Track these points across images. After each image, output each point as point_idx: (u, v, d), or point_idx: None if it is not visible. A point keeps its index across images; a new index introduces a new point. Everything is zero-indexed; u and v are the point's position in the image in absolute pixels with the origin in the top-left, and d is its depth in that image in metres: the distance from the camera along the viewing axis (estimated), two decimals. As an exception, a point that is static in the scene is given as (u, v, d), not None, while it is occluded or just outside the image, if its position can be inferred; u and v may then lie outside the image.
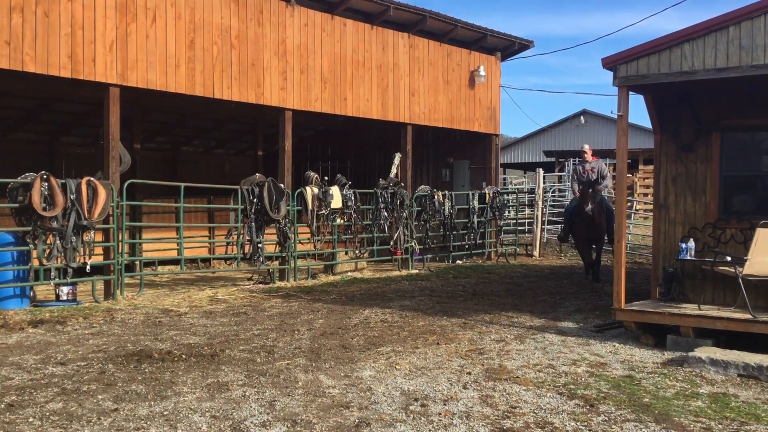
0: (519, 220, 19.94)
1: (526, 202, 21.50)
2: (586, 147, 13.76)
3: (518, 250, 18.41)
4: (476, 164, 19.43)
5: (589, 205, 12.30)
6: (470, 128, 17.88)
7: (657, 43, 7.73)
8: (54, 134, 19.03)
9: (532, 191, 20.48)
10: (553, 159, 37.87)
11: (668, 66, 7.69)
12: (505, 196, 18.47)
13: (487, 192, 17.24)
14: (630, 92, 8.29)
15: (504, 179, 28.69)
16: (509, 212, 18.53)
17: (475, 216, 16.80)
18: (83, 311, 9.43)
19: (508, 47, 18.70)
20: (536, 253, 18.71)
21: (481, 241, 17.13)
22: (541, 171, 19.80)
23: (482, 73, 17.69)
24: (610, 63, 8.04)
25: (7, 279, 9.79)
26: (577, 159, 22.81)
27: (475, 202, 16.85)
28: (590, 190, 12.42)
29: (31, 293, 10.15)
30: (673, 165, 9.04)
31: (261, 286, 12.51)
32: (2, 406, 5.21)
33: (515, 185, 27.67)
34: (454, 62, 17.26)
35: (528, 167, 41.87)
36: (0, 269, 9.76)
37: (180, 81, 11.81)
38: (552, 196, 22.18)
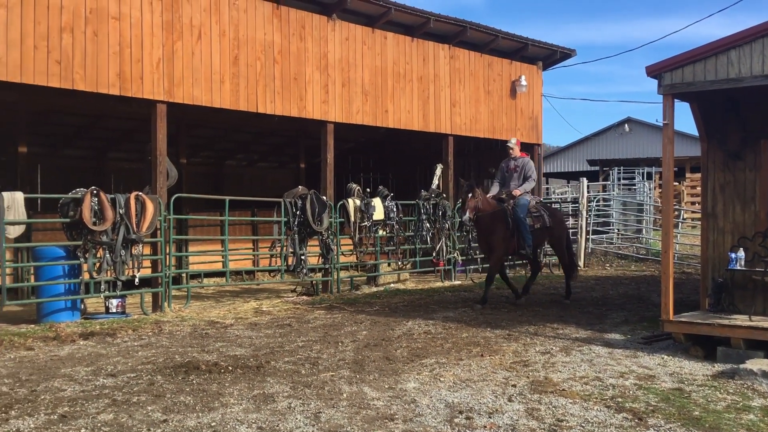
0: (563, 230, 19.68)
1: (570, 212, 21.24)
2: (513, 141, 12.21)
3: (562, 260, 18.17)
4: (519, 174, 19.25)
5: (467, 214, 10.89)
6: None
7: (703, 50, 7.61)
8: (102, 150, 19.50)
9: (575, 201, 20.25)
10: (597, 168, 37.45)
11: (714, 73, 7.56)
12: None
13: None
14: (675, 100, 8.17)
15: (547, 189, 28.43)
16: (553, 222, 18.31)
17: (518, 226, 16.63)
18: (132, 323, 9.62)
19: (549, 56, 18.58)
20: (581, 263, 18.46)
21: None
22: (585, 180, 19.58)
23: (524, 82, 17.60)
24: (654, 71, 7.93)
25: (58, 292, 10.05)
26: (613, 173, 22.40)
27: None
28: (470, 195, 10.96)
29: (82, 306, 10.40)
30: (721, 173, 8.86)
31: (304, 297, 12.61)
32: (55, 417, 5.34)
33: (558, 195, 27.39)
34: (495, 72, 17.22)
35: (571, 176, 41.45)
36: (52, 283, 10.02)
37: (224, 96, 12.02)
38: (596, 205, 21.88)
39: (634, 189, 25.70)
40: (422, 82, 15.46)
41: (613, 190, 26.07)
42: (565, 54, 18.66)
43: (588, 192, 19.73)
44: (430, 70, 15.64)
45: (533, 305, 11.54)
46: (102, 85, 10.56)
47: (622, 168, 29.04)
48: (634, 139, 37.11)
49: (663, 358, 7.48)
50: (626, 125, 37.65)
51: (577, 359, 7.42)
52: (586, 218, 19.20)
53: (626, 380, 6.55)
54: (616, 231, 22.20)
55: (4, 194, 9.48)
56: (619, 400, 5.88)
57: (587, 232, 19.30)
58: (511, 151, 11.94)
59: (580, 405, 5.72)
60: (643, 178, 26.88)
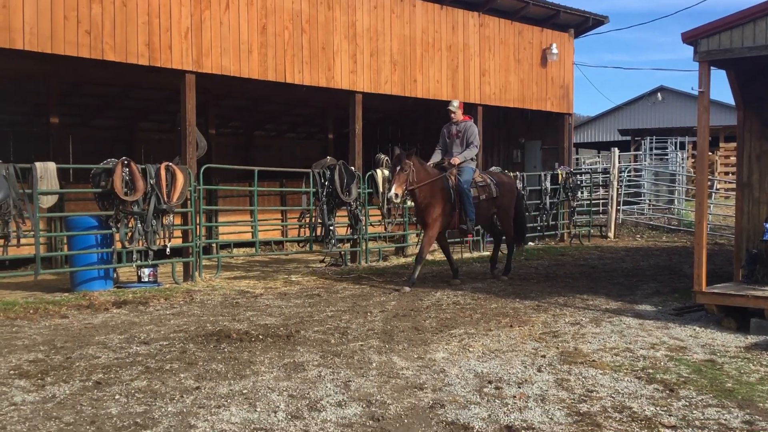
0: (593, 201, 19.52)
1: (601, 183, 21.01)
2: (455, 103, 10.93)
3: (592, 231, 18.05)
4: (548, 144, 19.09)
5: (392, 190, 9.67)
6: (542, 108, 17.56)
7: (741, 15, 7.40)
8: (132, 121, 19.66)
9: (606, 171, 20.00)
10: (628, 138, 36.92)
11: (752, 39, 7.35)
12: (579, 176, 18.09)
13: (559, 172, 16.93)
14: (711, 67, 7.97)
15: (577, 159, 28.09)
16: (583, 193, 18.15)
17: (548, 197, 16.53)
18: (164, 292, 9.75)
19: (581, 23, 18.23)
20: (611, 234, 18.31)
21: (553, 222, 16.88)
22: (616, 150, 19.30)
23: (555, 50, 17.32)
24: (690, 37, 7.74)
25: (91, 261, 10.20)
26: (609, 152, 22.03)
27: (548, 183, 16.58)
28: (398, 168, 9.77)
29: (115, 275, 10.55)
30: (758, 142, 8.67)
31: (333, 268, 12.66)
32: (90, 383, 5.45)
33: (588, 165, 27.08)
34: (525, 40, 16.96)
35: (602, 147, 40.91)
36: (85, 252, 10.17)
37: (253, 66, 11.99)
38: (628, 175, 21.59)
39: (667, 159, 25.30)
40: (451, 51, 15.28)
41: (645, 161, 25.70)
42: (597, 21, 18.29)
43: (619, 162, 19.47)
44: (460, 38, 15.45)
45: (563, 277, 11.47)
46: (131, 56, 10.59)
47: (654, 138, 28.54)
48: (667, 108, 36.42)
49: (695, 330, 7.40)
50: (659, 94, 36.94)
51: (607, 330, 7.37)
52: (617, 189, 18.96)
53: (657, 351, 6.49)
54: (647, 202, 21.93)
55: (37, 164, 9.60)
56: (650, 371, 5.83)
57: (618, 203, 19.08)
58: (452, 114, 10.81)
59: (611, 376, 5.68)
60: (675, 148, 26.43)
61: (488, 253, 14.92)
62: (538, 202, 16.52)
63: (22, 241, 9.41)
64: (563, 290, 9.98)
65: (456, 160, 10.42)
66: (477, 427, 4.53)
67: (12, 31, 9.47)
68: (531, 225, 16.51)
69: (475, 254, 14.75)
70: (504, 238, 11.63)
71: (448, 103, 11.15)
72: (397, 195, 9.72)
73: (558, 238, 17.27)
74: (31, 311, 8.33)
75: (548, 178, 16.63)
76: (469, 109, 16.07)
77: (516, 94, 16.81)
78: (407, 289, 9.85)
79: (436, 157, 10.78)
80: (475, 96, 15.85)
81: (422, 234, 10.52)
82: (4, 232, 9.10)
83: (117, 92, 17.51)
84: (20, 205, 9.19)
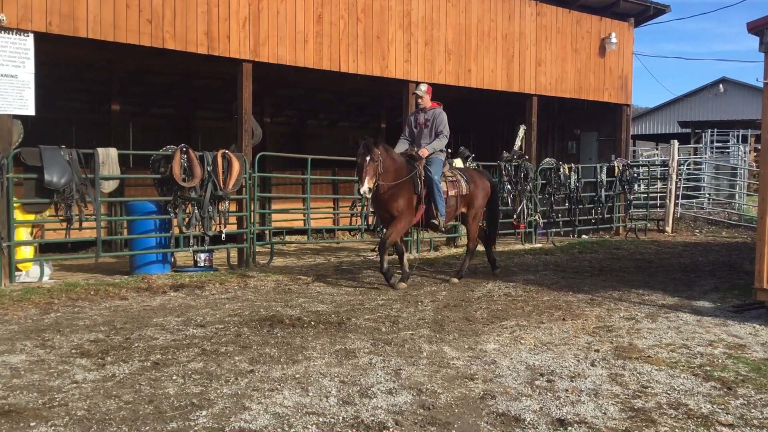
0: (650, 195, 19.13)
1: (659, 176, 20.55)
2: (423, 87, 9.92)
3: (649, 225, 17.70)
4: (605, 136, 18.74)
5: (365, 185, 8.70)
6: (599, 98, 17.24)
7: (812, 3, 7.12)
8: (190, 109, 20.03)
9: (665, 164, 19.55)
10: (688, 130, 36.00)
11: (824, 28, 7.08)
12: (636, 169, 17.73)
13: (616, 165, 16.63)
14: (779, 58, 7.70)
15: (634, 152, 27.52)
16: (640, 186, 17.79)
17: (603, 190, 16.27)
18: (219, 277, 9.93)
19: (642, 12, 17.80)
20: (669, 228, 17.92)
21: (608, 215, 16.61)
22: (676, 143, 18.85)
23: (614, 40, 16.97)
24: (756, 27, 7.50)
25: (150, 245, 10.46)
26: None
27: (603, 176, 16.31)
28: (368, 159, 8.76)
29: (172, 259, 10.79)
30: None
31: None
32: (148, 363, 5.60)
33: (646, 158, 26.52)
34: (583, 29, 16.66)
35: (661, 139, 39.99)
36: (144, 236, 10.43)
37: (308, 55, 12.08)
38: (687, 169, 21.07)
39: (728, 152, 24.59)
40: (507, 41, 15.12)
41: (706, 154, 25.03)
42: (658, 10, 17.83)
43: (678, 155, 19.01)
44: (516, 27, 15.27)
45: (618, 271, 11.28)
46: (191, 44, 10.78)
47: (715, 130, 27.77)
48: (729, 100, 35.38)
49: (755, 328, 7.20)
50: (721, 85, 35.90)
51: (663, 326, 7.23)
52: (676, 182, 18.53)
53: (715, 349, 6.34)
54: (707, 196, 21.37)
55: (100, 150, 9.87)
56: (708, 368, 5.71)
57: (676, 197, 18.65)
58: (420, 100, 9.87)
59: (666, 372, 5.58)
60: (737, 141, 25.67)
61: (540, 245, 14.79)
62: (593, 194, 16.27)
63: (84, 224, 9.71)
64: (618, 284, 9.82)
65: (424, 151, 9.54)
66: (528, 419, 4.50)
67: (76, 19, 9.73)
68: (585, 218, 16.30)
69: (527, 246, 14.62)
70: (487, 236, 10.79)
71: (414, 92, 10.06)
72: (369, 189, 8.75)
73: (613, 232, 16.99)
74: (92, 293, 8.59)
75: (604, 171, 16.36)
76: (523, 99, 15.92)
77: (572, 85, 16.54)
78: (403, 285, 9.28)
79: (401, 147, 9.79)
80: (531, 86, 15.66)
81: (388, 229, 9.33)
82: (67, 215, 9.40)
83: (176, 81, 17.86)
84: (83, 189, 9.47)
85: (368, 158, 8.78)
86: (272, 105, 20.04)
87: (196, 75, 17.07)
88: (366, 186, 8.71)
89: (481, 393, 4.98)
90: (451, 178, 9.97)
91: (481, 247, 11.04)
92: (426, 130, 9.77)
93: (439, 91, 17.60)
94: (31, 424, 4.27)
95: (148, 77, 17.39)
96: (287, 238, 15.53)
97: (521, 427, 4.38)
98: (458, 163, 13.75)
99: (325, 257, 12.63)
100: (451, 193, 9.86)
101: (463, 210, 10.25)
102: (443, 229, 9.96)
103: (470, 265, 11.63)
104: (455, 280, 9.93)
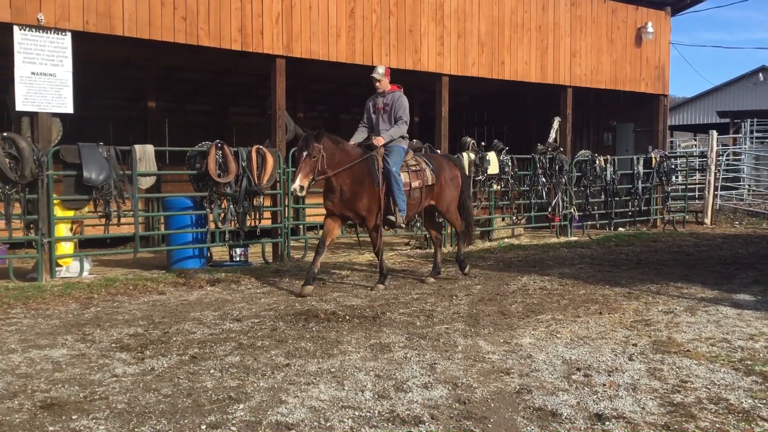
0: (688, 186, 18.81)
1: (697, 167, 20.19)
2: (381, 69, 9.09)
3: (687, 217, 17.40)
4: (641, 127, 18.46)
5: (297, 182, 7.93)
6: (636, 89, 16.98)
7: None
8: (224, 105, 20.22)
9: (703, 155, 19.21)
10: (727, 120, 35.29)
11: None
12: (674, 160, 17.45)
13: (653, 156, 16.39)
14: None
15: (671, 143, 27.07)
16: (677, 177, 17.51)
17: (640, 181, 16.04)
18: (254, 272, 10.02)
19: (679, 1, 17.48)
20: (707, 220, 17.61)
21: (645, 207, 16.37)
22: (714, 133, 18.49)
23: (650, 29, 16.69)
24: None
25: (187, 240, 10.59)
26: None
27: (640, 167, 16.08)
28: (304, 154, 7.99)
29: (208, 254, 10.91)
30: None
31: (418, 251, 12.69)
32: (186, 357, 5.67)
33: (684, 148, 26.08)
34: (619, 19, 16.42)
35: (699, 129, 39.28)
36: (180, 231, 10.57)
37: (341, 50, 12.10)
38: (726, 159, 20.66)
39: (768, 142, 24.07)
40: (541, 32, 14.96)
41: (745, 144, 24.52)
42: (696, -2, 17.50)
43: (717, 146, 18.65)
44: (550, 18, 15.10)
45: (655, 263, 11.12)
46: (224, 41, 10.87)
47: (755, 120, 27.16)
48: (770, 89, 34.58)
49: (798, 322, 7.04)
50: (761, 74, 35.07)
51: (702, 320, 7.11)
52: (715, 173, 18.18)
53: (756, 343, 6.22)
54: (746, 187, 20.95)
55: (137, 147, 10.01)
56: (749, 363, 5.60)
57: (715, 188, 18.31)
58: (377, 83, 9.03)
59: (706, 367, 5.48)
60: (778, 131, 25.11)
61: (576, 238, 14.64)
62: (630, 186, 16.05)
63: (122, 220, 9.86)
64: (656, 277, 9.68)
65: (379, 140, 8.72)
66: (565, 413, 4.47)
67: (112, 18, 9.87)
68: (622, 210, 16.10)
69: (562, 239, 14.48)
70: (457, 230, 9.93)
71: (372, 75, 9.16)
72: (302, 187, 7.97)
73: (650, 224, 16.75)
74: (131, 287, 8.73)
75: (641, 162, 16.13)
76: (557, 91, 15.75)
77: (608, 75, 16.32)
78: (382, 287, 8.71)
79: (359, 136, 9.05)
80: (565, 78, 15.48)
81: (373, 238, 8.83)
82: (105, 211, 9.56)
83: (210, 77, 18.04)
84: (120, 185, 9.62)
85: (305, 153, 8.00)
86: (305, 100, 20.12)
87: (230, 71, 17.21)
88: (298, 183, 7.92)
89: (517, 387, 4.95)
90: (414, 167, 9.05)
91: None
92: (385, 116, 8.97)
93: (472, 84, 17.56)
94: (73, 417, 4.35)
95: (183, 74, 17.59)
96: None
97: (558, 422, 4.35)
98: (492, 156, 13.68)
99: (359, 251, 12.65)
100: (415, 184, 8.94)
101: (432, 203, 9.36)
102: (402, 225, 9.01)
103: (504, 259, 11.57)
104: (431, 279, 9.33)
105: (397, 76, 15.19)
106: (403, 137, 8.98)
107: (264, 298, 8.23)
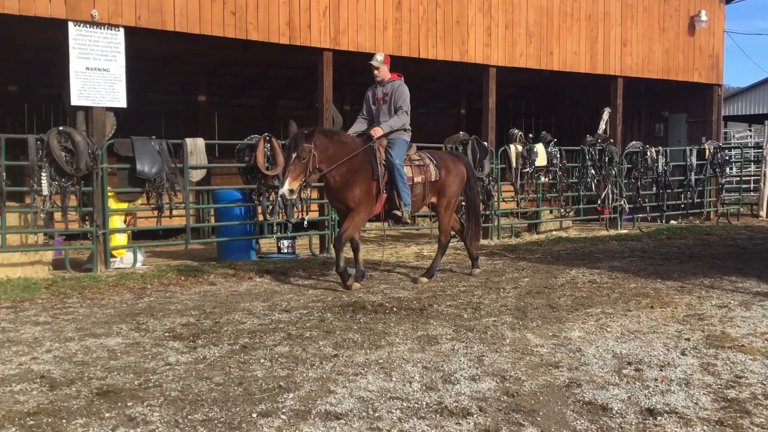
0: (743, 178, 18.32)
1: (752, 158, 19.64)
2: (380, 57, 8.70)
3: (742, 210, 16.96)
4: (694, 117, 18.04)
5: (285, 186, 7.57)
6: (688, 79, 16.59)
7: None
8: (272, 98, 20.40)
9: (758, 146, 18.67)
10: (784, 110, 34.24)
11: None
12: (728, 151, 17.01)
13: (706, 147, 16.01)
14: None
15: (726, 133, 26.40)
16: (732, 169, 17.07)
17: (693, 173, 15.69)
18: (302, 263, 10.11)
19: (733, -12, 17.01)
20: (763, 213, 17.13)
21: (698, 200, 16.01)
22: (770, 123, 17.96)
23: (703, 18, 16.27)
24: None
25: (236, 233, 10.75)
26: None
27: (693, 159, 15.73)
28: (294, 156, 7.57)
29: (257, 246, 11.05)
30: None
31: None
32: (237, 347, 5.77)
33: (739, 139, 25.39)
34: (671, 8, 16.04)
35: (754, 120, 38.16)
36: (230, 224, 10.73)
37: (387, 42, 12.09)
38: (783, 150, 20.03)
39: (829, 133, 23.24)
40: (590, 21, 14.72)
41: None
42: (752, -16, 16.98)
43: (774, 136, 18.10)
44: (600, 7, 14.84)
45: (709, 257, 10.87)
46: (273, 35, 10.97)
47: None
48: (830, 77, 33.40)
49: None
50: (821, 62, 33.91)
51: (758, 314, 6.93)
52: (771, 165, 17.65)
53: (816, 339, 6.04)
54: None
55: (188, 140, 10.19)
56: (808, 360, 5.45)
57: (771, 180, 17.78)
58: (376, 72, 8.62)
59: (761, 362, 5.35)
60: (839, 121, 24.22)
61: (626, 231, 14.40)
62: (683, 178, 15.72)
63: (174, 212, 10.06)
64: (709, 271, 9.47)
65: (378, 131, 8.27)
66: (616, 408, 4.41)
67: (164, 13, 10.04)
68: (674, 202, 15.77)
69: (612, 232, 14.26)
70: (465, 231, 9.50)
71: (371, 62, 8.69)
72: (291, 191, 7.62)
73: (703, 217, 16.37)
74: (183, 278, 8.91)
75: (694, 153, 15.77)
76: (607, 81, 15.47)
77: (660, 65, 15.97)
78: (357, 285, 8.20)
79: (357, 127, 8.68)
80: (615, 68, 15.21)
81: (344, 223, 8.22)
82: (158, 203, 9.76)
83: (258, 71, 18.22)
84: (172, 178, 9.81)
85: (294, 155, 7.55)
86: (352, 93, 20.16)
87: (278, 65, 17.35)
88: (287, 187, 7.51)
89: (567, 381, 4.91)
90: (417, 162, 8.72)
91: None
92: (384, 106, 8.52)
93: (519, 75, 17.37)
94: (128, 404, 4.47)
95: (232, 68, 17.80)
96: (367, 224, 15.62)
97: (609, 416, 4.30)
98: (540, 148, 13.53)
99: (405, 244, 12.67)
100: (418, 179, 8.61)
101: (433, 199, 8.98)
102: (408, 221, 8.60)
103: (552, 251, 11.44)
104: (424, 279, 8.77)
105: (443, 68, 15.18)
106: (405, 129, 8.60)
107: (311, 289, 8.31)
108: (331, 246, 8.21)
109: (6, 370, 5.16)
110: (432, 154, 9.11)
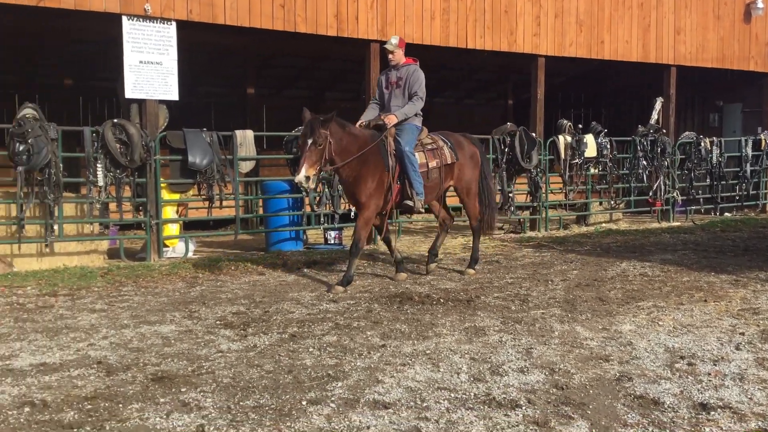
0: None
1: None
2: (394, 41, 8.20)
3: (800, 202, 16.45)
4: (750, 107, 17.53)
5: (301, 173, 7.18)
6: (744, 68, 16.13)
7: None
8: (320, 90, 20.52)
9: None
10: None
11: None
12: (786, 142, 16.49)
13: (763, 138, 15.55)
14: None
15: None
16: (790, 160, 16.54)
17: (748, 164, 15.28)
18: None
19: (793, -27, 16.45)
20: (822, 206, 16.58)
21: (754, 191, 15.59)
22: (831, 113, 17.33)
23: (760, 5, 15.79)
24: None
25: (284, 223, 10.87)
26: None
27: (749, 150, 15.31)
28: (310, 142, 7.23)
29: (304, 237, 11.16)
30: None
31: (512, 235, 12.57)
32: (286, 336, 5.85)
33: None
34: (726, -5, 15.61)
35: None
36: (278, 214, 10.85)
37: (435, 33, 12.05)
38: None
39: None
40: (643, 9, 14.42)
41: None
42: (813, -31, 16.40)
43: (835, 126, 17.47)
44: (652, -5, 14.53)
45: (765, 250, 10.58)
46: (321, 27, 11.03)
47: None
48: None
49: None
50: None
51: (817, 310, 6.74)
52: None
53: None
54: None
55: (237, 132, 10.33)
56: None
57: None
58: (390, 55, 8.19)
59: (821, 359, 5.21)
60: None
61: (678, 223, 14.11)
62: (737, 169, 15.32)
63: (224, 203, 10.21)
64: (765, 264, 9.23)
65: (392, 118, 7.90)
66: (668, 402, 4.35)
67: (214, 7, 10.18)
68: (728, 194, 15.39)
69: (664, 224, 13.99)
70: (470, 221, 9.11)
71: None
72: (308, 178, 7.22)
73: (759, 209, 15.93)
74: (233, 268, 9.05)
75: (749, 144, 15.35)
76: (659, 70, 15.14)
77: (714, 54, 15.56)
78: (341, 289, 7.61)
79: (370, 114, 8.31)
80: (669, 56, 14.87)
81: (355, 223, 8.01)
82: (208, 194, 9.93)
83: (306, 63, 18.33)
84: (222, 170, 9.96)
85: (310, 141, 7.25)
86: (398, 84, 20.17)
87: (326, 57, 17.44)
88: (302, 174, 7.16)
89: (617, 375, 4.85)
90: (431, 146, 8.28)
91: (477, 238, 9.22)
92: (398, 90, 8.12)
93: (569, 65, 17.12)
94: (182, 390, 4.58)
95: (280, 60, 17.95)
96: (413, 216, 15.61)
97: (660, 410, 4.24)
98: (590, 139, 13.33)
99: (452, 236, 12.63)
100: (432, 164, 8.17)
101: (452, 183, 8.59)
102: (421, 210, 8.15)
103: (602, 244, 11.29)
104: (471, 271, 8.68)
105: (491, 58, 15.05)
106: (417, 115, 8.22)
107: (358, 280, 8.36)
108: (349, 251, 8.04)
109: (64, 355, 5.33)
110: (446, 135, 8.67)
